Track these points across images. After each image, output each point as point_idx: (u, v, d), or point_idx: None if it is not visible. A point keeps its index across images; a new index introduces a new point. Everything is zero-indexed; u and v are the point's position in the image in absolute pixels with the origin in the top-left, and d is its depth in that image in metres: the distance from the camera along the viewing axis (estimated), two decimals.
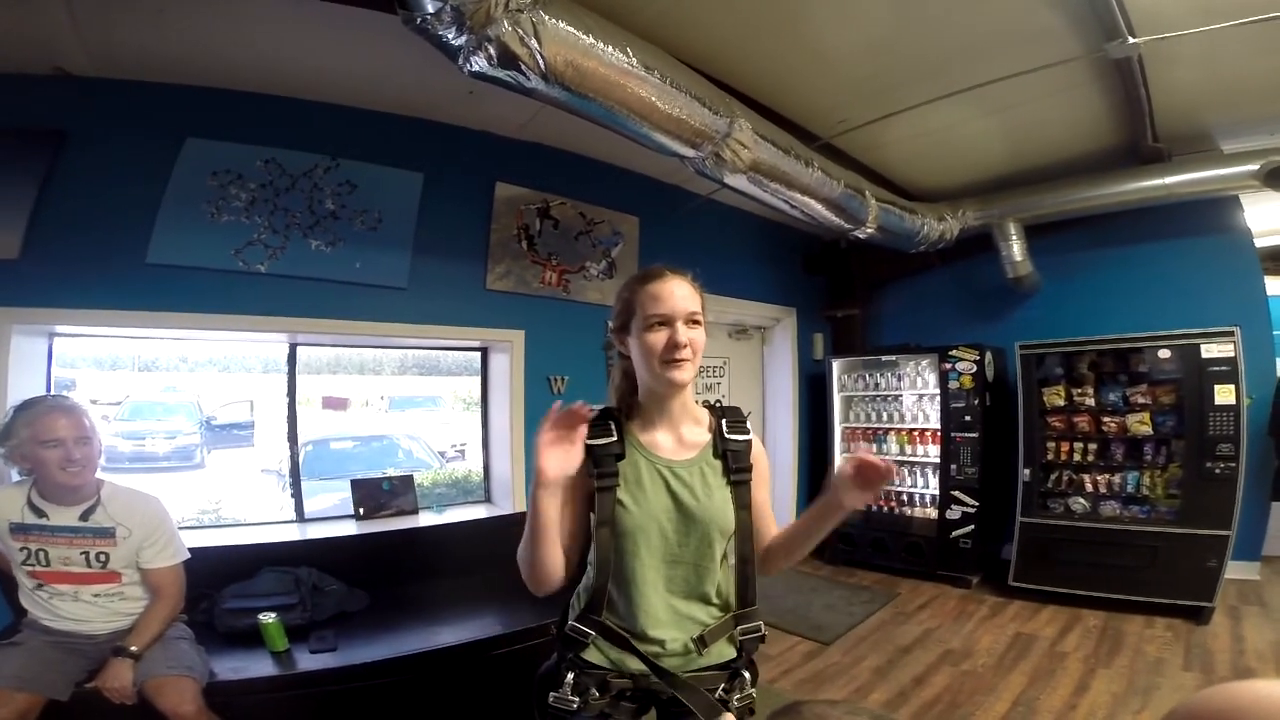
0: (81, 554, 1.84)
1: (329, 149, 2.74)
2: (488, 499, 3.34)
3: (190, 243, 2.46)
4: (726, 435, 1.20)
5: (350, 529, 2.91)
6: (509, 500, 3.10)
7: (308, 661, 2.12)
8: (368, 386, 5.18)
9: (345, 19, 2.11)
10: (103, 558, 1.86)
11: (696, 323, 1.15)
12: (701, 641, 1.16)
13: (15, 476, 1.90)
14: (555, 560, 1.11)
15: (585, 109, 2.11)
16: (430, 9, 1.66)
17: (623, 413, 1.21)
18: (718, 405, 1.26)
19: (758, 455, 1.23)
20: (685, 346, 1.12)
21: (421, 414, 5.38)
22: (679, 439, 1.19)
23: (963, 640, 3.19)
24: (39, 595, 1.84)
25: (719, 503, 1.16)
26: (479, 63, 1.81)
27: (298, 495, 2.90)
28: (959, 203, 4.00)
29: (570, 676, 1.16)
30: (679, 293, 1.14)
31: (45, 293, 2.25)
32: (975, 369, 3.99)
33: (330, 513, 3.09)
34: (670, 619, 1.16)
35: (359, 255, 2.76)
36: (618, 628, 1.17)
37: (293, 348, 2.88)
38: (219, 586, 2.34)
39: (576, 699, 1.16)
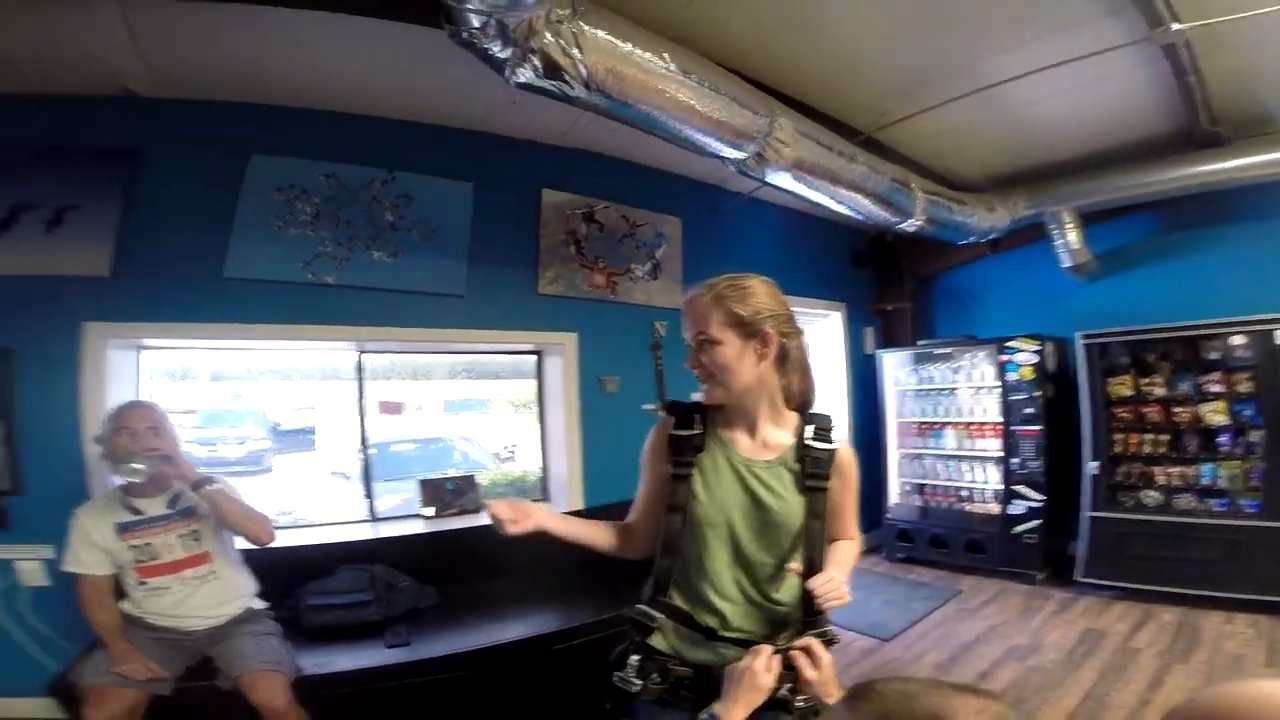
0: (178, 537, 1.98)
1: (385, 162, 2.84)
2: (545, 497, 3.41)
3: (263, 257, 2.59)
4: (809, 442, 1.20)
5: (418, 527, 3.01)
6: (566, 499, 3.16)
7: (384, 656, 2.21)
8: (420, 391, 5.33)
9: (394, 35, 2.18)
10: (196, 535, 2.01)
11: (709, 342, 1.16)
12: (767, 641, 1.17)
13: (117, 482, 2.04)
14: (603, 540, 1.32)
15: (627, 115, 2.15)
16: (475, 23, 1.70)
17: (710, 408, 1.24)
18: (808, 412, 1.26)
19: (844, 464, 1.22)
20: (697, 368, 1.19)
21: (473, 417, 5.51)
22: (761, 439, 1.21)
23: (1029, 636, 3.11)
24: (142, 594, 1.97)
25: (794, 507, 1.17)
26: (525, 74, 1.86)
27: (369, 495, 3.02)
28: (1009, 192, 3.89)
29: (635, 659, 1.20)
30: (690, 315, 1.20)
31: (134, 308, 2.41)
32: (1036, 360, 3.88)
33: (395, 512, 3.19)
34: (740, 604, 1.19)
35: (419, 265, 2.86)
36: (683, 606, 1.21)
37: (360, 355, 3.00)
38: (300, 584, 2.45)
39: (639, 682, 1.19)
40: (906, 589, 3.90)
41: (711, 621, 1.19)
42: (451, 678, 2.21)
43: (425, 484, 3.14)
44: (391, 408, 5.19)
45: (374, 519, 3.09)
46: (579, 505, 3.14)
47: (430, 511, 3.06)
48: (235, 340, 2.67)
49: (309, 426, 4.46)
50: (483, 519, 3.09)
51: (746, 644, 1.16)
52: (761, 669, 1.03)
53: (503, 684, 2.29)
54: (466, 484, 3.20)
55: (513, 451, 5.01)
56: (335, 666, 2.12)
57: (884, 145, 3.29)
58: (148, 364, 2.71)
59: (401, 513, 3.18)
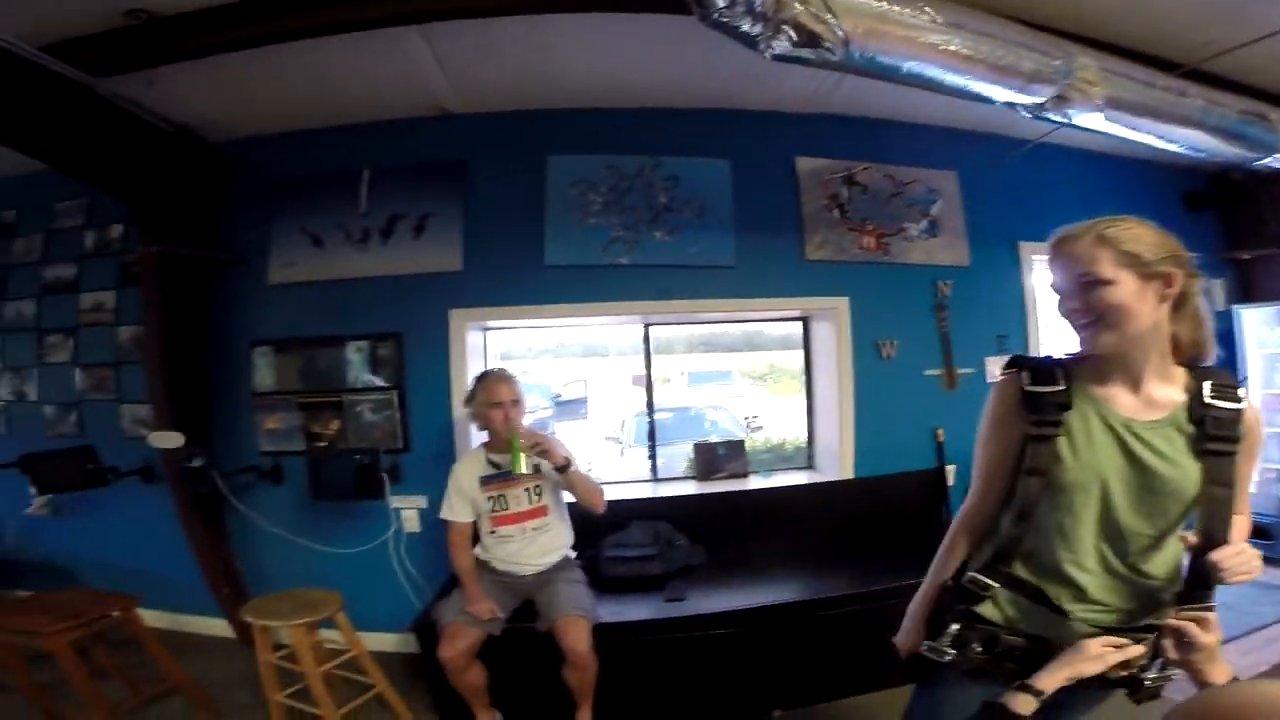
0: (524, 490, 2.35)
1: (650, 149, 3.04)
2: (810, 466, 3.43)
3: (571, 245, 2.95)
4: (1209, 400, 1.05)
5: (690, 489, 3.21)
6: (836, 468, 3.13)
7: (662, 609, 2.38)
8: (663, 365, 5.66)
9: (645, 28, 2.31)
10: (539, 490, 2.36)
11: (1099, 282, 1.03)
12: (1128, 617, 1.08)
13: (475, 432, 2.51)
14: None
15: (893, 72, 2.03)
16: (721, 3, 1.73)
17: (1075, 361, 1.14)
18: (1201, 366, 1.10)
19: (1252, 427, 1.06)
20: (1079, 313, 1.07)
21: (715, 388, 5.73)
22: (1146, 396, 1.07)
23: None
24: (492, 541, 2.36)
25: (1189, 473, 1.03)
26: (780, 45, 1.85)
27: (653, 457, 3.33)
28: None
29: (954, 628, 1.15)
30: (1067, 258, 1.08)
31: (480, 295, 2.92)
32: None
33: (661, 474, 3.43)
34: (1100, 576, 1.09)
35: (693, 241, 3.02)
36: (1030, 579, 1.12)
37: (646, 328, 3.30)
38: (600, 537, 2.72)
39: (953, 651, 1.15)
40: (1254, 591, 3.18)
41: (1064, 594, 1.10)
42: (722, 634, 2.32)
43: (698, 448, 3.36)
44: (642, 380, 5.59)
45: (655, 479, 3.39)
46: (849, 475, 3.10)
47: (700, 474, 3.26)
48: (555, 319, 3.10)
49: (582, 397, 5.07)
50: (749, 483, 3.24)
51: (1104, 617, 1.09)
52: (1097, 650, 1.01)
53: (770, 644, 2.36)
54: (736, 449, 3.35)
55: (757, 422, 5.11)
56: (624, 616, 2.32)
57: (1217, 76, 2.69)
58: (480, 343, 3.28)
59: (664, 475, 3.42)
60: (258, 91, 2.68)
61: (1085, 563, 1.09)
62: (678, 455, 3.82)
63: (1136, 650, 1.04)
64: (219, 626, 3.14)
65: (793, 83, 2.80)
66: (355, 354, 2.94)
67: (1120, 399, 1.09)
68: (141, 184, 2.74)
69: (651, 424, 3.35)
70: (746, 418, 5.14)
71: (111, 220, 3.20)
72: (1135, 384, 1.08)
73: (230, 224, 3.07)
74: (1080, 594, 1.10)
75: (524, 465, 2.22)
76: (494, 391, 2.32)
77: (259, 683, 2.39)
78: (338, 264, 2.95)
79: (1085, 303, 1.05)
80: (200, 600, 3.08)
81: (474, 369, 2.92)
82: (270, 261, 2.99)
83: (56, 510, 3.17)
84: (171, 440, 2.73)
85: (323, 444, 2.94)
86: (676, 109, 3.06)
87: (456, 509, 2.34)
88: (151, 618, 2.52)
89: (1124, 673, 1.06)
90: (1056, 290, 1.11)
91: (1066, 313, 1.10)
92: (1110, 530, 1.08)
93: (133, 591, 2.45)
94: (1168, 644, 0.99)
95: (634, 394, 5.51)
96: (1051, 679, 0.99)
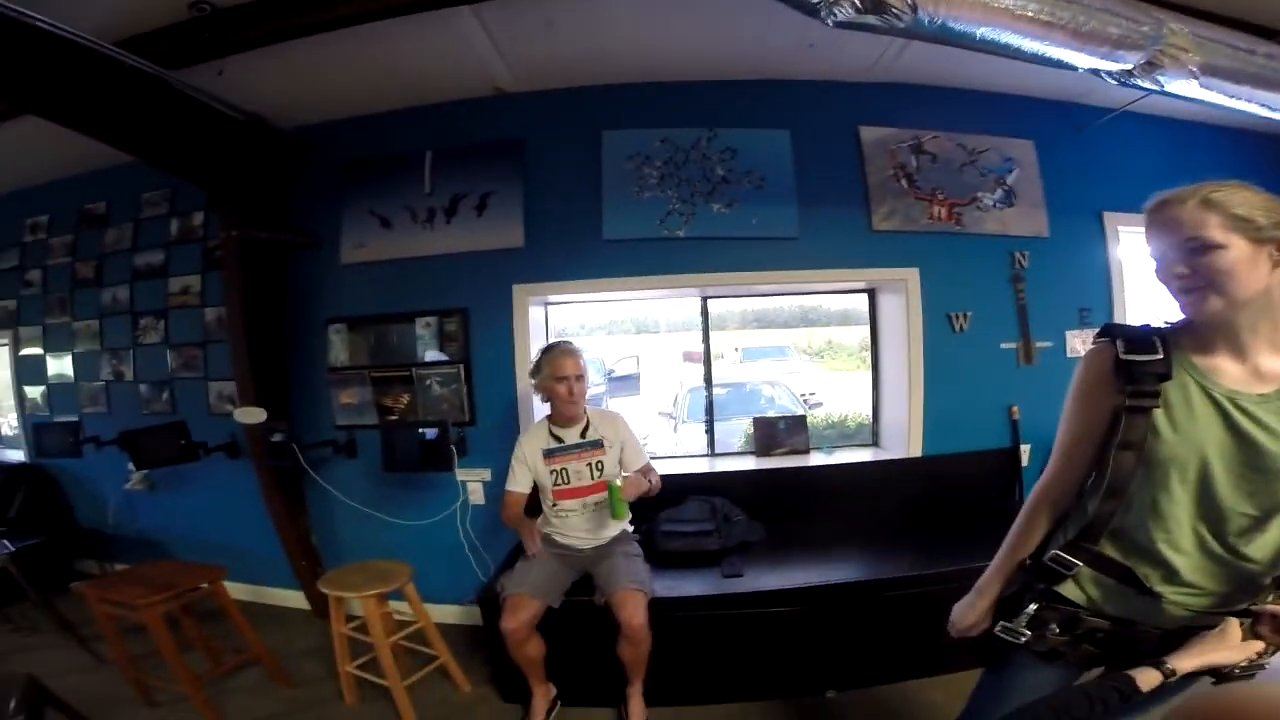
0: (586, 465, 2.38)
1: (705, 121, 2.98)
2: (875, 443, 3.35)
3: (628, 219, 2.93)
4: None
5: (749, 464, 3.19)
6: (902, 445, 3.05)
7: (719, 585, 2.36)
8: (717, 340, 5.64)
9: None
10: (599, 466, 2.38)
11: (1208, 246, 0.96)
12: (1222, 601, 1.03)
13: (536, 406, 2.54)
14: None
15: (965, 39, 1.90)
16: None
17: (1175, 330, 1.07)
18: None
19: None
20: (1183, 278, 1.00)
21: (770, 364, 5.66)
22: (1253, 368, 1.01)
23: None
24: (553, 514, 2.41)
25: None
26: (843, 12, 1.77)
27: (710, 432, 3.31)
28: None
29: (1032, 607, 1.12)
30: (1169, 223, 1.02)
31: (541, 271, 2.95)
32: None
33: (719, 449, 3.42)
34: (1194, 556, 1.04)
35: (753, 212, 2.96)
36: (1118, 559, 1.07)
37: (704, 301, 3.26)
38: (656, 511, 2.71)
39: (1028, 632, 1.11)
40: None
41: (1154, 574, 1.05)
42: (779, 612, 2.30)
43: (758, 423, 3.32)
44: (695, 356, 5.60)
45: (712, 453, 3.38)
46: (916, 453, 3.01)
47: (760, 449, 3.23)
48: (614, 293, 3.11)
49: (634, 373, 5.11)
50: (810, 460, 3.18)
51: (1197, 601, 1.04)
52: (1237, 636, 0.97)
53: (827, 623, 2.33)
54: (797, 425, 3.30)
55: (815, 397, 5.02)
56: (679, 591, 2.32)
57: None
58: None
59: (720, 450, 3.40)
60: (322, 78, 2.75)
61: (1180, 543, 1.04)
62: (733, 431, 3.81)
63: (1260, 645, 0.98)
64: (294, 598, 3.32)
65: (853, 51, 2.73)
66: (424, 329, 3.02)
67: (1225, 370, 1.02)
68: (218, 171, 2.87)
69: (710, 398, 3.32)
70: (804, 394, 5.07)
71: (193, 208, 3.37)
72: (1242, 354, 1.02)
73: (303, 208, 3.18)
74: (1172, 575, 1.05)
75: (625, 511, 2.25)
76: (559, 366, 2.35)
77: (330, 654, 2.50)
78: (405, 243, 3.03)
79: (1192, 267, 0.99)
80: (278, 572, 3.26)
81: (536, 343, 2.97)
82: (342, 243, 3.10)
83: (151, 486, 3.40)
84: (255, 416, 2.89)
85: (394, 417, 3.05)
86: (731, 81, 3.00)
87: (519, 480, 2.39)
88: (233, 590, 2.64)
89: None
90: (1156, 257, 1.05)
91: (1170, 279, 1.03)
92: (1208, 509, 1.02)
93: (217, 564, 2.58)
94: (1264, 630, 0.95)
95: (686, 370, 5.51)
96: (1190, 661, 0.94)
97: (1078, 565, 1.10)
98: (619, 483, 2.24)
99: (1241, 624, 0.98)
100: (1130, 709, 0.89)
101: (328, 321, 3.11)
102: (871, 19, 1.82)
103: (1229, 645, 0.96)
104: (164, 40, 2.28)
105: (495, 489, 2.82)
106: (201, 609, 2.63)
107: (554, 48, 2.65)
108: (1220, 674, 1.02)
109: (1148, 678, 0.92)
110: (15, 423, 4.08)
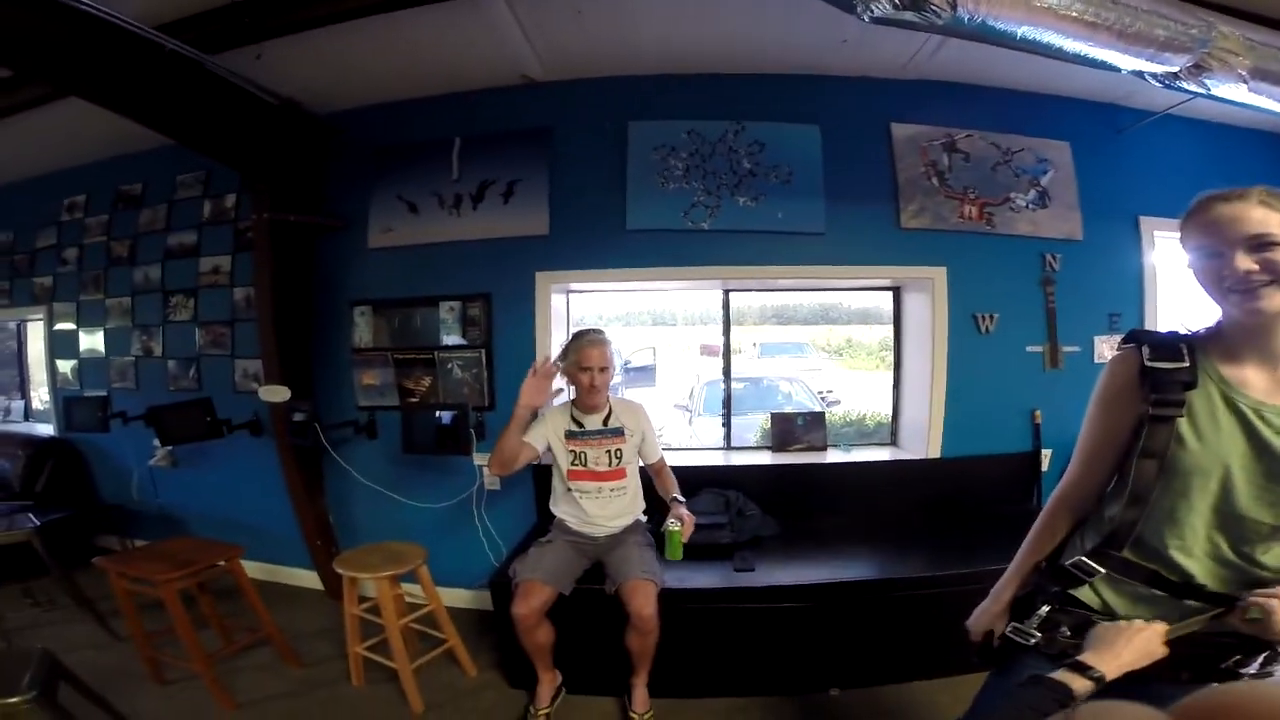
0: (605, 452, 2.39)
1: (733, 114, 2.96)
2: (893, 442, 3.32)
3: (652, 210, 2.93)
4: None
5: (764, 459, 3.17)
6: (921, 445, 3.02)
7: (731, 579, 2.35)
8: (735, 335, 5.63)
9: None
10: (618, 454, 2.39)
11: (1268, 244, 0.93)
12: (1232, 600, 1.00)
13: (561, 388, 2.55)
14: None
15: (1006, 38, 1.87)
16: None
17: (1203, 338, 1.06)
18: None
19: None
20: (1254, 274, 0.95)
21: (787, 361, 5.63)
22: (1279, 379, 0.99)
23: None
24: (568, 498, 2.41)
25: None
26: (881, 8, 1.76)
27: (727, 425, 3.31)
28: None
29: (1044, 610, 1.12)
30: (1230, 223, 0.97)
31: (564, 259, 2.97)
32: None
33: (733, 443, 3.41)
34: (1206, 562, 1.03)
35: (779, 206, 2.94)
36: (1142, 563, 1.07)
37: (726, 294, 3.26)
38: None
39: (1038, 634, 1.12)
40: None
41: (1168, 578, 1.05)
42: (788, 608, 2.29)
43: (775, 418, 3.31)
44: (712, 350, 5.60)
45: (728, 447, 3.37)
46: (935, 454, 2.99)
47: (776, 445, 3.22)
48: (636, 283, 3.11)
49: (650, 365, 5.11)
50: (827, 457, 3.17)
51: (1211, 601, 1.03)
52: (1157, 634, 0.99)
53: (836, 621, 2.32)
54: (815, 421, 3.28)
55: (834, 395, 4.98)
56: (690, 583, 2.30)
57: None
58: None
59: (736, 444, 3.39)
60: (355, 65, 2.78)
61: (1193, 549, 1.03)
62: (749, 425, 3.80)
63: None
64: (308, 578, 3.36)
65: (886, 47, 2.70)
66: (447, 314, 3.05)
67: (1253, 380, 1.01)
68: (252, 154, 2.91)
69: (728, 392, 3.32)
70: (821, 392, 5.04)
71: (226, 190, 3.43)
72: (1272, 364, 1.00)
73: (333, 192, 3.22)
74: (1186, 579, 1.05)
75: (680, 553, 2.30)
76: (585, 356, 2.35)
77: (339, 635, 2.52)
78: (432, 229, 3.06)
79: (1260, 263, 0.95)
80: (292, 552, 3.31)
81: (558, 330, 2.99)
82: (370, 226, 3.13)
83: (174, 462, 3.45)
84: (279, 394, 2.94)
85: (415, 400, 3.09)
86: (759, 75, 2.98)
87: (533, 436, 2.36)
88: (249, 568, 2.67)
89: (1222, 666, 1.03)
90: (1207, 255, 1.01)
91: (1220, 278, 0.99)
92: (1227, 518, 1.01)
93: (235, 542, 2.59)
94: (1235, 619, 0.96)
95: (702, 364, 5.49)
96: (1113, 662, 0.94)
97: (1100, 572, 1.10)
98: (676, 527, 2.27)
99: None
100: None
101: (353, 303, 3.15)
102: (909, 15, 1.80)
103: (1146, 650, 0.98)
104: (203, 24, 2.32)
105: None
106: (217, 586, 2.65)
107: (583, 36, 2.65)
108: (1230, 673, 1.01)
109: (1079, 683, 0.90)
110: (46, 397, 4.19)
